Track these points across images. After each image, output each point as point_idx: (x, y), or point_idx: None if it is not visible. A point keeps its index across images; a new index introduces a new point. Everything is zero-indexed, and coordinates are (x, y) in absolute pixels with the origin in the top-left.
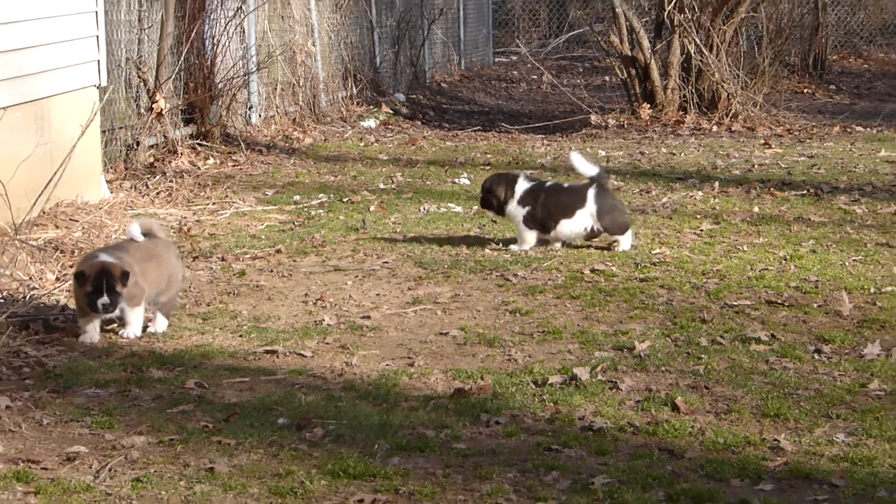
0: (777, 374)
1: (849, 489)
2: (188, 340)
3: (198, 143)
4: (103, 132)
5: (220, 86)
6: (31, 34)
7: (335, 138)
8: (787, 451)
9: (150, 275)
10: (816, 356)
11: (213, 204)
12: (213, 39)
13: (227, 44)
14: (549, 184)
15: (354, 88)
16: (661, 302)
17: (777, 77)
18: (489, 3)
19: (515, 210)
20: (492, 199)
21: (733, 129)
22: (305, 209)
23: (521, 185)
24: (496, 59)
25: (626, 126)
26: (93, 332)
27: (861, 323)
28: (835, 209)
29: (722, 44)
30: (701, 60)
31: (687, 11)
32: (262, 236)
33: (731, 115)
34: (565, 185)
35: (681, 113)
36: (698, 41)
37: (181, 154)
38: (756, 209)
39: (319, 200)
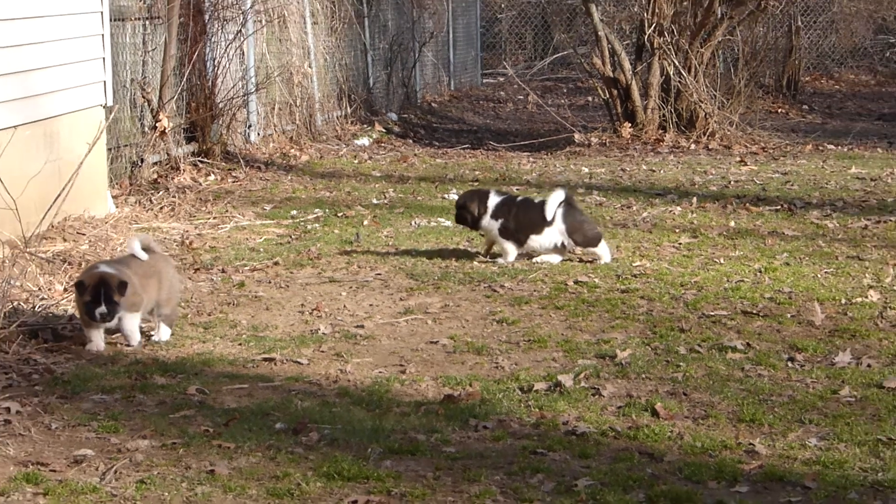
0: (752, 381)
1: (821, 491)
2: (190, 348)
3: (199, 161)
4: (109, 150)
5: (220, 105)
6: (40, 56)
7: (330, 156)
8: (762, 455)
9: (151, 289)
10: (790, 364)
11: (214, 218)
12: (213, 61)
13: (227, 65)
14: (519, 198)
15: (349, 108)
16: (642, 312)
17: (752, 97)
18: (477, 26)
19: (490, 224)
20: (466, 214)
21: (710, 147)
22: (302, 223)
23: (493, 200)
24: (484, 80)
25: (608, 144)
26: (98, 340)
27: (832, 332)
28: (807, 224)
29: (700, 65)
30: (680, 81)
31: (666, 35)
32: (261, 249)
33: (708, 133)
34: (535, 200)
35: (660, 132)
36: (677, 63)
37: (183, 171)
38: (732, 223)
39: (315, 215)
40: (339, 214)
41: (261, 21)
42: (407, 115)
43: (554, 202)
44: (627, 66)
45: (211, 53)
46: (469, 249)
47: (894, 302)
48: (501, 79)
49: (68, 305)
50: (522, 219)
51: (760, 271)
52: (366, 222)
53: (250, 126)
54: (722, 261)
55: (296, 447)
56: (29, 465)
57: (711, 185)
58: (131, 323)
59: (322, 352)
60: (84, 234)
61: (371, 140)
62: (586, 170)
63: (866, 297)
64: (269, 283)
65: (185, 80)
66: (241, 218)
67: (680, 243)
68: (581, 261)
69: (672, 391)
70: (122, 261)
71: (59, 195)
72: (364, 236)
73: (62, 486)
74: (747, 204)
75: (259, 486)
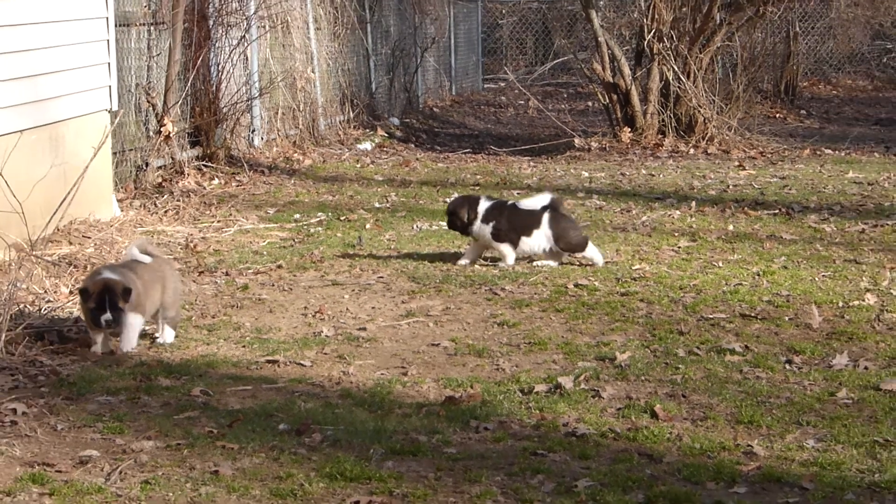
0: (750, 384)
1: (818, 492)
2: (194, 350)
3: (203, 165)
4: (114, 154)
5: (224, 110)
6: (46, 61)
7: (333, 160)
8: (760, 456)
9: (156, 293)
10: (788, 366)
11: (218, 222)
12: (218, 66)
13: (231, 70)
14: (509, 202)
15: (351, 113)
16: (641, 315)
17: (751, 102)
18: (479, 32)
19: (481, 229)
20: (456, 220)
21: (709, 151)
22: (305, 227)
23: (483, 205)
24: (485, 86)
25: (607, 149)
26: (103, 342)
27: (830, 335)
28: (805, 227)
29: (699, 71)
30: (679, 87)
31: (666, 40)
32: (264, 252)
33: (707, 138)
34: (524, 204)
35: (660, 136)
36: (676, 68)
37: (188, 175)
38: (731, 227)
39: (318, 219)
40: (342, 218)
41: (264, 27)
42: (409, 119)
43: (538, 200)
44: (627, 71)
45: (215, 59)
46: None
47: (891, 305)
48: (502, 84)
49: (74, 308)
50: (513, 221)
51: (758, 275)
52: (368, 226)
53: (254, 130)
54: (720, 264)
55: (299, 448)
56: (35, 465)
57: (710, 190)
58: (134, 328)
59: (325, 354)
60: (89, 238)
61: (373, 144)
62: (586, 174)
63: (863, 300)
64: (273, 285)
65: (189, 84)
66: (245, 221)
67: (679, 247)
68: (581, 264)
69: (671, 393)
70: (126, 265)
71: (64, 199)
72: (366, 240)
73: (68, 486)
74: (746, 208)
75: (262, 486)
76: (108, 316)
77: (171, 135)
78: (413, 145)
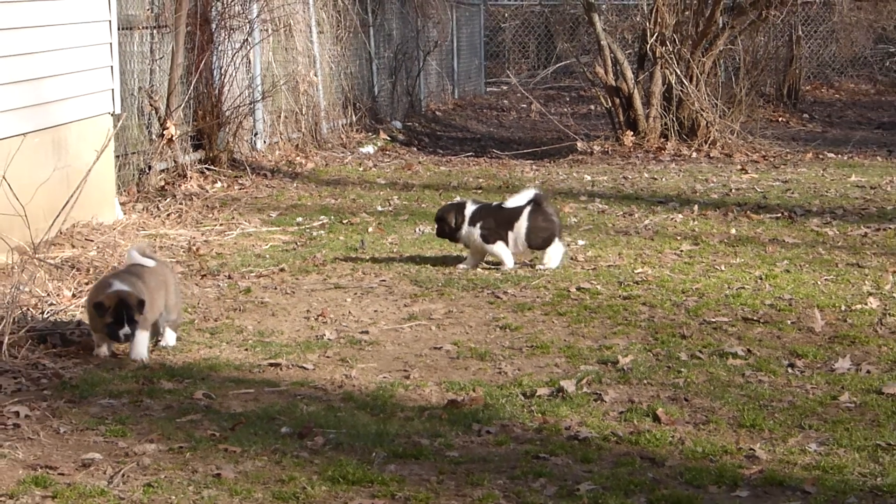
0: (753, 387)
1: (820, 496)
2: (197, 354)
3: (206, 168)
4: (117, 157)
5: (227, 113)
6: (49, 65)
7: (336, 163)
8: (762, 460)
9: (160, 298)
10: (790, 370)
11: (221, 225)
12: (220, 70)
13: (233, 74)
14: (494, 203)
15: (354, 116)
16: (643, 318)
17: (753, 106)
18: (481, 35)
19: (469, 232)
20: (444, 226)
21: (712, 155)
22: (307, 230)
23: (470, 209)
24: (488, 89)
25: (610, 152)
26: (107, 346)
27: (832, 339)
28: (807, 231)
29: (701, 75)
30: (681, 90)
31: (668, 44)
32: (267, 256)
33: (709, 142)
34: (506, 205)
35: (662, 140)
36: (679, 72)
37: (190, 178)
38: (733, 231)
39: (321, 222)
40: (345, 221)
41: (267, 30)
42: (411, 123)
43: (523, 196)
44: (630, 75)
45: (218, 62)
46: None
47: (893, 309)
48: (505, 87)
49: (76, 311)
50: (498, 220)
51: (761, 278)
52: (371, 229)
53: (256, 134)
54: (723, 268)
55: (301, 451)
56: (38, 468)
57: (713, 193)
58: (145, 337)
59: (327, 357)
60: (92, 241)
61: (376, 148)
62: (589, 177)
63: (866, 303)
64: (275, 289)
65: (192, 88)
66: (248, 225)
67: (681, 250)
68: (583, 267)
69: (673, 397)
70: (132, 272)
71: (67, 202)
72: (369, 243)
73: (70, 489)
74: (748, 212)
75: (265, 489)
76: (126, 330)
77: (173, 138)
78: (415, 149)
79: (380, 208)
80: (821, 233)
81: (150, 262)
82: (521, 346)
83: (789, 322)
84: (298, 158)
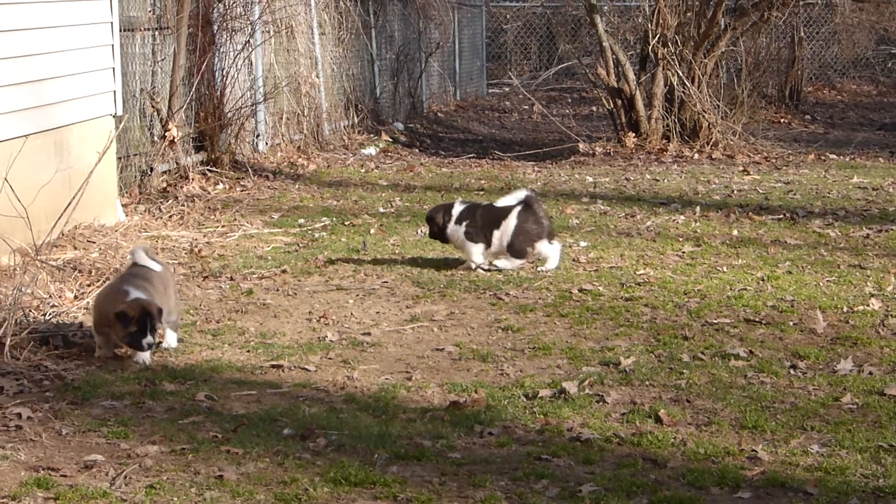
0: (755, 389)
1: (823, 497)
2: (199, 355)
3: (208, 170)
4: (119, 159)
5: (229, 115)
6: (51, 66)
7: (337, 165)
8: (765, 461)
9: (164, 300)
10: (792, 371)
11: (223, 226)
12: (222, 71)
13: (235, 75)
14: (483, 203)
15: (356, 118)
16: (646, 320)
17: (755, 107)
18: (483, 37)
19: (455, 230)
20: (433, 226)
21: (714, 156)
22: (309, 232)
23: (458, 208)
24: (489, 91)
25: (612, 154)
26: (109, 348)
27: (834, 340)
28: (809, 232)
29: (703, 76)
30: (683, 92)
31: (670, 45)
32: (269, 257)
33: (711, 143)
34: (497, 204)
35: (664, 141)
36: (681, 73)
37: (192, 179)
38: (735, 232)
39: (323, 223)
40: (347, 223)
41: (269, 32)
42: (413, 124)
43: (514, 197)
44: (632, 76)
45: (219, 64)
46: None
47: (895, 310)
48: (507, 89)
49: (79, 312)
50: (485, 219)
51: (763, 280)
52: (372, 231)
53: (258, 135)
54: (725, 269)
55: (303, 453)
56: (40, 469)
57: (714, 195)
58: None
59: (329, 359)
60: (94, 243)
61: (378, 149)
62: (591, 179)
63: (868, 305)
64: (277, 290)
65: (193, 90)
66: (250, 226)
67: (683, 252)
68: (585, 269)
69: (675, 398)
70: (139, 275)
71: (69, 203)
72: (371, 244)
73: (73, 490)
74: (750, 213)
75: (267, 491)
76: (149, 339)
77: (175, 140)
78: (417, 150)
79: (382, 210)
80: (823, 234)
81: (156, 266)
82: (523, 348)
83: (791, 323)
84: (300, 160)
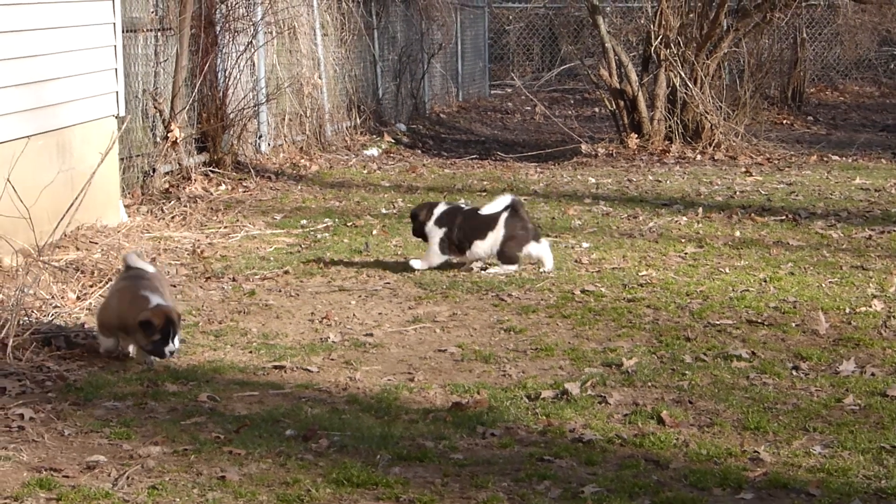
0: (757, 390)
1: (825, 498)
2: (201, 356)
3: (210, 170)
4: (121, 160)
5: (231, 116)
6: (53, 67)
7: (340, 166)
8: (767, 462)
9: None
10: (794, 372)
11: (225, 227)
12: (225, 72)
13: (238, 76)
14: (467, 208)
15: (358, 119)
16: (648, 321)
17: (757, 109)
18: (485, 38)
19: (432, 230)
20: (415, 224)
21: (716, 157)
22: (312, 233)
23: (440, 209)
24: (492, 92)
25: (614, 155)
26: (112, 347)
27: (837, 341)
28: (812, 234)
29: (706, 77)
30: (686, 93)
31: (673, 47)
32: (271, 258)
33: (714, 144)
34: (482, 212)
35: (666, 142)
36: (683, 75)
37: (195, 180)
38: (737, 233)
39: (325, 224)
40: (349, 224)
41: (271, 33)
42: (415, 125)
43: (498, 203)
44: (634, 77)
45: (222, 65)
46: None
47: None
48: (509, 90)
49: (81, 313)
50: (469, 226)
51: (765, 281)
52: (375, 232)
53: (261, 136)
54: (727, 270)
55: (306, 454)
56: (42, 470)
57: (717, 196)
58: None
59: (332, 360)
60: (96, 243)
61: (380, 150)
62: (593, 180)
63: (870, 306)
64: (280, 291)
65: (196, 90)
66: (252, 227)
67: (686, 253)
68: (587, 270)
69: (678, 399)
70: (143, 277)
71: (71, 204)
72: (373, 246)
73: (75, 491)
74: (752, 214)
75: (269, 492)
76: (172, 347)
77: (178, 140)
78: (420, 151)
79: (384, 211)
80: (825, 235)
81: (150, 268)
82: (526, 349)
83: (793, 324)
84: (303, 161)
